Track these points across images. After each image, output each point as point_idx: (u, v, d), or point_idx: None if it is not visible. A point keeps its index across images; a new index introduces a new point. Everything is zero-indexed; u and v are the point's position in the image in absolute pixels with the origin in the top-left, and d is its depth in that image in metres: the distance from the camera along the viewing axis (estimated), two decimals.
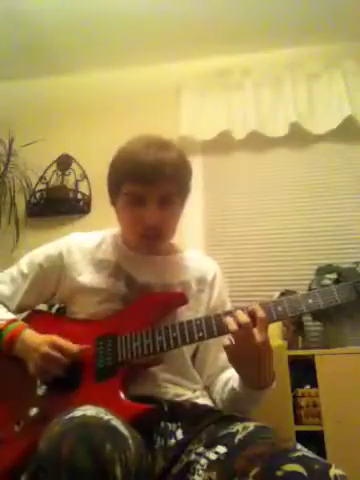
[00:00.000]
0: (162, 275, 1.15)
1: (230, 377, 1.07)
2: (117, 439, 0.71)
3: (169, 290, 1.13)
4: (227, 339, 0.93)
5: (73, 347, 1.00)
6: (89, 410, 0.75)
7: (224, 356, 1.08)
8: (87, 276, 1.13)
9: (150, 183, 1.06)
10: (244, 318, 0.91)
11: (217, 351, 1.12)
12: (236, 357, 0.94)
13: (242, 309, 0.94)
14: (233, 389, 1.03)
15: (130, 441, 0.73)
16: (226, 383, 1.07)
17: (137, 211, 1.08)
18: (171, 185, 1.08)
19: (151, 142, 1.08)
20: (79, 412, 0.75)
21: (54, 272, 1.16)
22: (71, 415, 0.74)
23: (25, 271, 1.18)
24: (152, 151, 1.06)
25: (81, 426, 0.71)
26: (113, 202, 1.16)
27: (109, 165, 1.14)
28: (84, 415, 0.74)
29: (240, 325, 0.90)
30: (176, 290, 1.14)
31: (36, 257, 1.19)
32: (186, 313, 1.07)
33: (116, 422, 0.75)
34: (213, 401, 1.13)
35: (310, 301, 0.95)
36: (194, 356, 1.15)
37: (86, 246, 1.19)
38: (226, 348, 0.94)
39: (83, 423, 0.72)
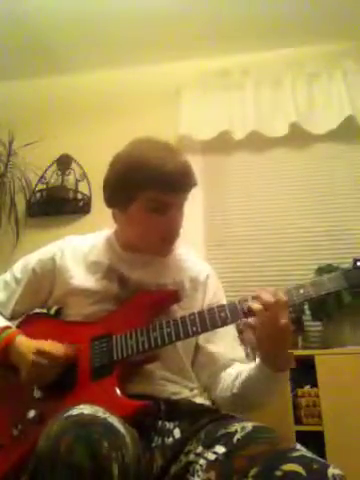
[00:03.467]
0: (156, 275, 1.15)
1: (240, 371, 1.07)
2: (114, 437, 0.72)
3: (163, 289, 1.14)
4: (251, 320, 0.95)
5: (59, 352, 1.00)
6: (86, 409, 0.76)
7: (224, 354, 1.10)
8: (80, 278, 1.14)
9: (180, 191, 1.09)
10: (269, 297, 0.93)
11: (216, 349, 1.13)
12: (263, 338, 0.95)
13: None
14: (250, 378, 1.03)
15: (127, 439, 0.73)
16: (237, 377, 1.07)
17: (159, 217, 1.09)
18: (191, 190, 1.12)
19: (169, 148, 1.11)
20: (76, 411, 0.75)
21: (47, 276, 1.17)
22: (68, 413, 0.75)
23: (18, 276, 1.19)
24: (176, 158, 1.08)
25: (79, 424, 0.72)
26: (117, 205, 1.15)
27: (119, 169, 1.11)
28: (81, 413, 0.74)
29: (265, 304, 0.92)
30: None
31: (29, 262, 1.20)
32: (180, 313, 1.07)
33: (113, 420, 0.75)
34: (214, 400, 1.12)
35: (301, 291, 0.96)
36: (195, 359, 1.15)
37: (79, 249, 1.20)
38: (252, 329, 0.94)
39: (81, 421, 0.72)
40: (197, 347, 1.15)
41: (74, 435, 0.69)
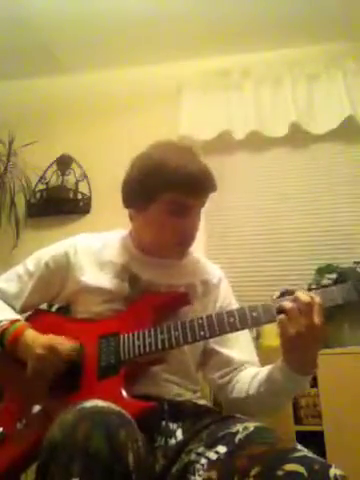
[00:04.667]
0: (168, 277, 1.15)
1: (257, 372, 1.05)
2: (130, 427, 0.73)
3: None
4: (281, 317, 0.92)
5: (67, 350, 0.99)
6: (99, 402, 0.77)
7: (239, 356, 1.09)
8: (91, 276, 1.13)
9: (200, 194, 1.09)
10: (306, 298, 0.91)
11: (230, 352, 1.11)
12: (290, 337, 0.91)
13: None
14: (269, 379, 1.00)
15: (138, 433, 0.74)
16: (254, 377, 1.05)
17: (177, 220, 1.08)
18: (210, 194, 1.13)
19: (190, 151, 1.11)
20: (90, 403, 0.76)
21: (60, 272, 1.16)
22: (82, 405, 0.75)
23: (31, 270, 1.18)
24: (197, 162, 1.08)
25: (96, 413, 0.73)
26: (135, 206, 1.14)
27: (139, 169, 1.10)
28: (96, 405, 0.75)
29: (301, 304, 0.91)
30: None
31: (43, 256, 1.19)
32: (191, 316, 1.05)
33: (126, 413, 0.76)
34: (224, 402, 1.11)
35: None
36: (205, 362, 1.15)
37: (92, 247, 1.19)
38: (282, 326, 0.92)
39: (97, 411, 0.73)
40: (209, 350, 1.13)
41: (92, 422, 0.70)
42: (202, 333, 0.97)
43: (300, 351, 0.93)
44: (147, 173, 1.08)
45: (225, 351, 1.12)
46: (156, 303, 1.07)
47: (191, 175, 1.04)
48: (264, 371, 1.03)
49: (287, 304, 0.93)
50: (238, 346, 1.13)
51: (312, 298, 0.92)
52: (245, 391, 1.05)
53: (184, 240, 1.13)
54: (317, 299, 0.92)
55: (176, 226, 1.09)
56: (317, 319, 0.90)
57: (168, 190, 1.06)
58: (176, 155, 1.07)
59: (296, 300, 0.92)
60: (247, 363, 1.11)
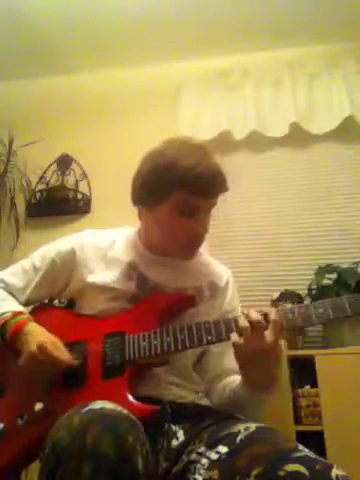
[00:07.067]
0: (176, 278, 1.14)
1: (230, 381, 1.07)
2: (138, 432, 0.73)
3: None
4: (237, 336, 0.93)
5: (61, 357, 0.97)
6: (107, 404, 0.76)
7: (226, 362, 1.09)
8: (98, 273, 1.13)
9: (211, 195, 1.08)
10: (256, 316, 0.91)
11: (219, 357, 1.12)
12: (243, 355, 0.93)
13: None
14: (233, 391, 1.03)
15: (145, 436, 0.74)
16: (225, 386, 1.07)
17: (187, 220, 1.07)
18: (221, 195, 1.11)
19: (203, 150, 1.09)
20: (98, 405, 0.75)
21: (66, 268, 1.16)
22: (90, 407, 0.74)
23: (37, 264, 1.18)
24: (210, 161, 1.06)
25: (105, 416, 0.72)
26: (144, 204, 1.12)
27: (150, 167, 1.08)
28: (104, 408, 0.74)
29: (251, 323, 0.90)
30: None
31: (49, 252, 1.19)
32: (197, 318, 1.05)
33: (133, 417, 0.76)
34: (212, 403, 1.12)
35: (320, 310, 0.94)
36: (198, 361, 1.15)
37: (99, 244, 1.18)
38: (234, 344, 0.93)
39: (106, 414, 0.73)
40: (202, 352, 1.14)
41: (101, 426, 0.69)
42: (209, 338, 0.97)
43: (254, 368, 0.94)
44: (158, 171, 1.06)
45: (215, 356, 1.13)
46: (162, 304, 1.07)
47: (202, 176, 1.03)
48: (233, 383, 1.06)
49: (242, 323, 0.92)
50: (228, 353, 1.11)
51: (265, 316, 0.91)
52: (219, 399, 1.09)
53: (193, 241, 1.12)
54: (273, 317, 0.91)
55: (185, 226, 1.08)
56: (270, 337, 0.89)
57: (179, 190, 1.04)
58: (188, 154, 1.05)
59: (248, 318, 0.92)
60: (231, 371, 1.10)
